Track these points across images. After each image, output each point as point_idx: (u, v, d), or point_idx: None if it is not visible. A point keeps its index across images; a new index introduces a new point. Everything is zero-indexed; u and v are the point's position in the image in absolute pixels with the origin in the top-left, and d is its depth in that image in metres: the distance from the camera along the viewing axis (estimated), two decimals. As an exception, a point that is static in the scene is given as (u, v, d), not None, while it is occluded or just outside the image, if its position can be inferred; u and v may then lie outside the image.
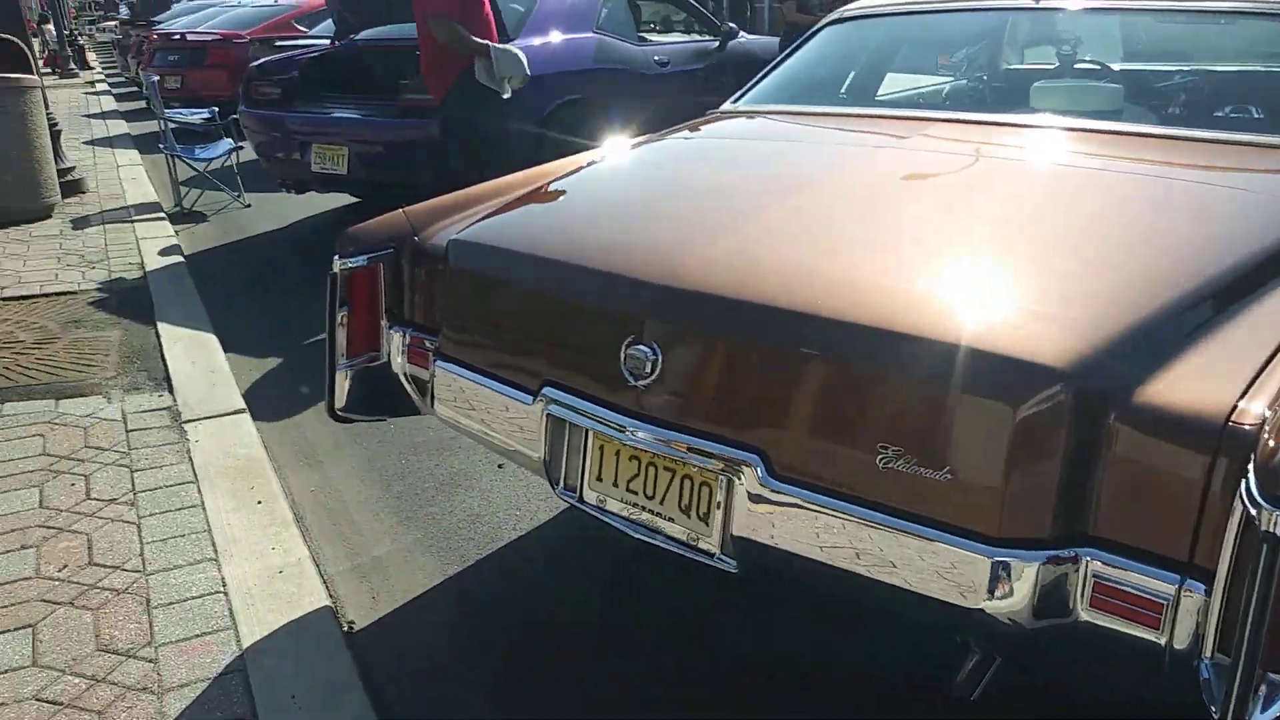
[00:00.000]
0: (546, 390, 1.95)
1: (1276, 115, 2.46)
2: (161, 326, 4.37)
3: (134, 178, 8.31)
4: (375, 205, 6.99)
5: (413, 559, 2.70)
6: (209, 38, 10.93)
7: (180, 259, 5.57)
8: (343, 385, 2.41)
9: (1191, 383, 1.36)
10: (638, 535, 1.87)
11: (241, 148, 7.12)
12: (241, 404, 3.55)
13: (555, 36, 6.11)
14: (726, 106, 3.12)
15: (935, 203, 2.01)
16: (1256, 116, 2.48)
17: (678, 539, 1.81)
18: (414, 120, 5.47)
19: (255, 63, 6.37)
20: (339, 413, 2.44)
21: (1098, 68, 2.80)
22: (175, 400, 3.56)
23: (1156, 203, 1.92)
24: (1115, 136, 2.36)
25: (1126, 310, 1.49)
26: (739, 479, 1.66)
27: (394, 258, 2.37)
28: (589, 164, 2.64)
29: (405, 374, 2.40)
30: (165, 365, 3.92)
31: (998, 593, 1.42)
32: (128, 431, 3.31)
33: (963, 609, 1.47)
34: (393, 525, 2.88)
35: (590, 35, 6.36)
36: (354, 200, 7.20)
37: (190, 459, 3.11)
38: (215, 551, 2.57)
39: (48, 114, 6.71)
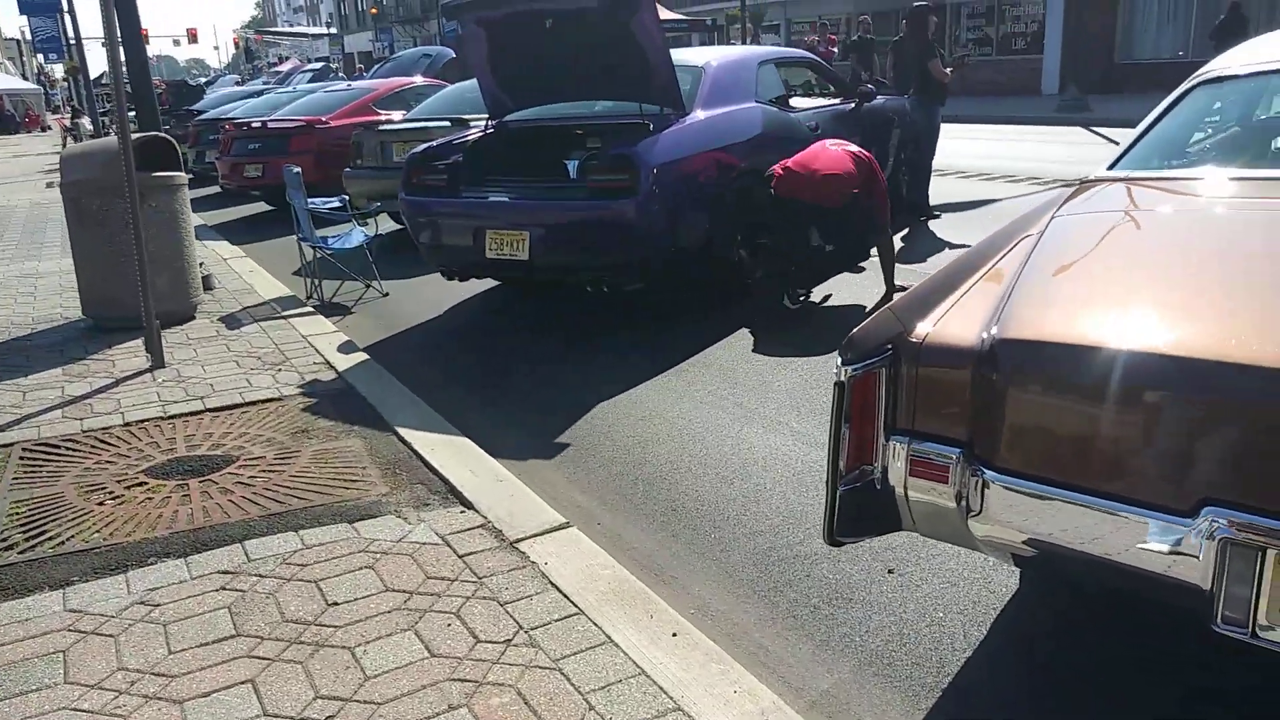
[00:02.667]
0: (1213, 510, 1.69)
1: None
2: (402, 432, 4.10)
3: (250, 270, 8.12)
4: (515, 291, 6.86)
5: (865, 688, 2.41)
6: (291, 125, 10.84)
7: (364, 355, 5.32)
8: (843, 506, 2.15)
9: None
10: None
11: (380, 236, 6.93)
12: (558, 516, 3.27)
13: (728, 108, 5.97)
14: (1111, 174, 2.91)
15: None
16: None
17: None
18: (607, 201, 5.28)
19: (415, 150, 6.20)
20: (838, 538, 2.17)
21: None
22: (485, 517, 3.28)
23: None
24: None
25: None
26: None
27: (893, 361, 2.13)
28: (1054, 242, 2.41)
29: (905, 488, 2.14)
30: (440, 476, 3.64)
31: None
32: (460, 557, 3.02)
33: None
34: (810, 650, 2.59)
35: (755, 105, 6.23)
36: (493, 284, 7.00)
37: (553, 585, 2.82)
38: (672, 699, 2.28)
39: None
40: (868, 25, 13.86)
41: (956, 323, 2.16)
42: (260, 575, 2.95)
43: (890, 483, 2.16)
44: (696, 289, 6.11)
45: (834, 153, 5.44)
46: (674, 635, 2.54)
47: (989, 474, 1.99)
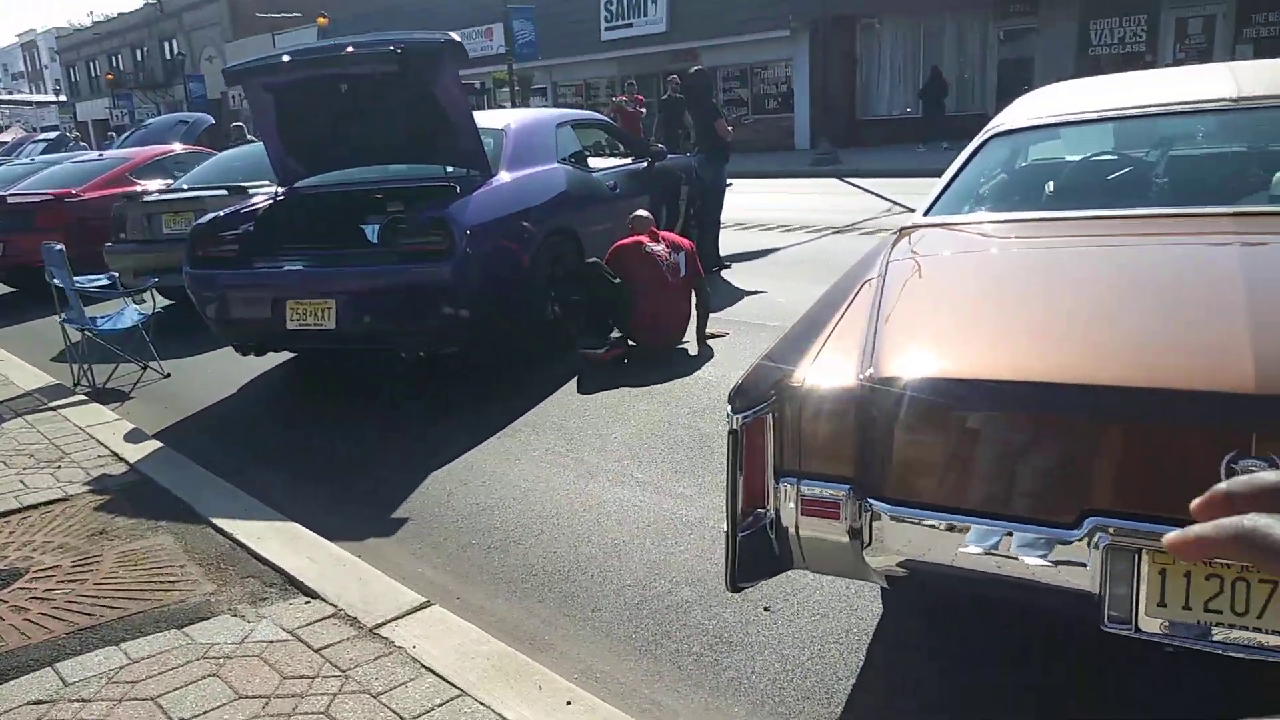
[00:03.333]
0: (1093, 520, 1.84)
1: None
2: (220, 522, 3.76)
3: (1, 358, 7.24)
4: (315, 362, 6.51)
5: (766, 735, 2.42)
6: (36, 198, 9.85)
7: (157, 443, 4.86)
8: (743, 552, 2.18)
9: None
10: (1229, 654, 1.79)
11: (159, 312, 6.41)
12: (416, 595, 3.10)
13: (533, 169, 6.00)
14: (927, 220, 3.15)
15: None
16: None
17: (1286, 651, 1.74)
18: (421, 264, 5.14)
19: (200, 220, 5.78)
20: (739, 584, 2.19)
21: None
22: (335, 604, 3.05)
23: None
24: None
25: None
26: None
27: (778, 406, 2.20)
28: (895, 284, 2.58)
29: (798, 527, 2.20)
30: (274, 566, 3.37)
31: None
32: (316, 651, 2.79)
33: None
34: (703, 699, 2.58)
35: (557, 165, 6.31)
36: (291, 356, 6.63)
37: (428, 668, 2.66)
38: (582, 771, 2.19)
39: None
40: (676, 85, 14.43)
41: (830, 366, 2.25)
42: (84, 700, 2.59)
43: (783, 523, 2.20)
44: (515, 348, 6.05)
45: (673, 291, 5.72)
46: (569, 704, 2.46)
47: (879, 506, 2.07)
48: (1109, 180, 3.35)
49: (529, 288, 5.70)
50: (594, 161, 7.32)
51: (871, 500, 2.08)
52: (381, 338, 5.38)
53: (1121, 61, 18.54)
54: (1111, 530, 1.82)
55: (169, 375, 6.50)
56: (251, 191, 7.39)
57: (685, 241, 6.04)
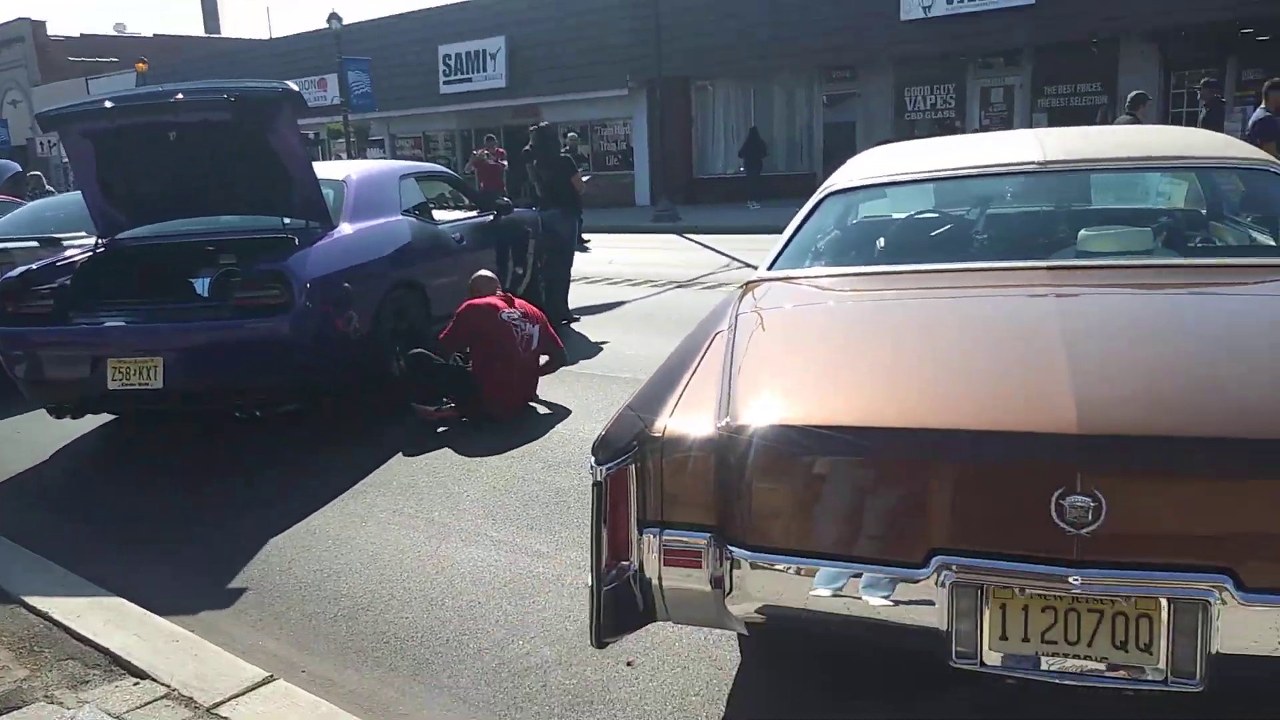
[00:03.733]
0: (939, 559, 1.94)
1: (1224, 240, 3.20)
2: (32, 601, 3.45)
3: None
4: (137, 424, 6.07)
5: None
6: None
7: (-46, 518, 4.42)
8: (608, 606, 2.17)
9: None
10: (1065, 682, 1.91)
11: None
12: (258, 670, 2.92)
13: (375, 220, 5.90)
14: (771, 274, 3.28)
15: (1145, 327, 2.37)
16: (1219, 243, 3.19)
17: (1115, 676, 1.88)
18: (258, 319, 4.93)
19: (10, 274, 5.34)
20: (604, 640, 2.19)
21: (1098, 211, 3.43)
22: (168, 685, 2.84)
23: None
24: (1154, 269, 2.90)
25: None
26: (1213, 599, 1.79)
27: (640, 456, 2.22)
28: (746, 336, 2.66)
29: (660, 578, 2.22)
30: (96, 646, 3.10)
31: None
32: (148, 736, 2.59)
33: None
34: (567, 762, 2.54)
35: (400, 218, 6.22)
36: (110, 418, 6.18)
37: (274, 749, 2.51)
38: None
39: None
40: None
41: (688, 417, 2.30)
42: None
43: (647, 575, 2.21)
44: (357, 405, 5.85)
45: (526, 360, 5.69)
46: (427, 776, 2.36)
47: (739, 553, 2.12)
48: (934, 236, 3.59)
49: (372, 342, 5.55)
50: (439, 214, 7.25)
51: (732, 548, 2.12)
52: (214, 397, 5.12)
53: (934, 125, 19.96)
54: (955, 568, 1.92)
55: (-32, 442, 5.94)
56: (65, 244, 6.92)
57: (539, 313, 5.92)
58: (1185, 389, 2.03)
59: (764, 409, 2.20)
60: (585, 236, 15.49)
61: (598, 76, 23.88)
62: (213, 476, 5.09)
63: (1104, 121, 16.15)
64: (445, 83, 27.60)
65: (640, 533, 2.20)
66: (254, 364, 4.94)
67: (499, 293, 5.79)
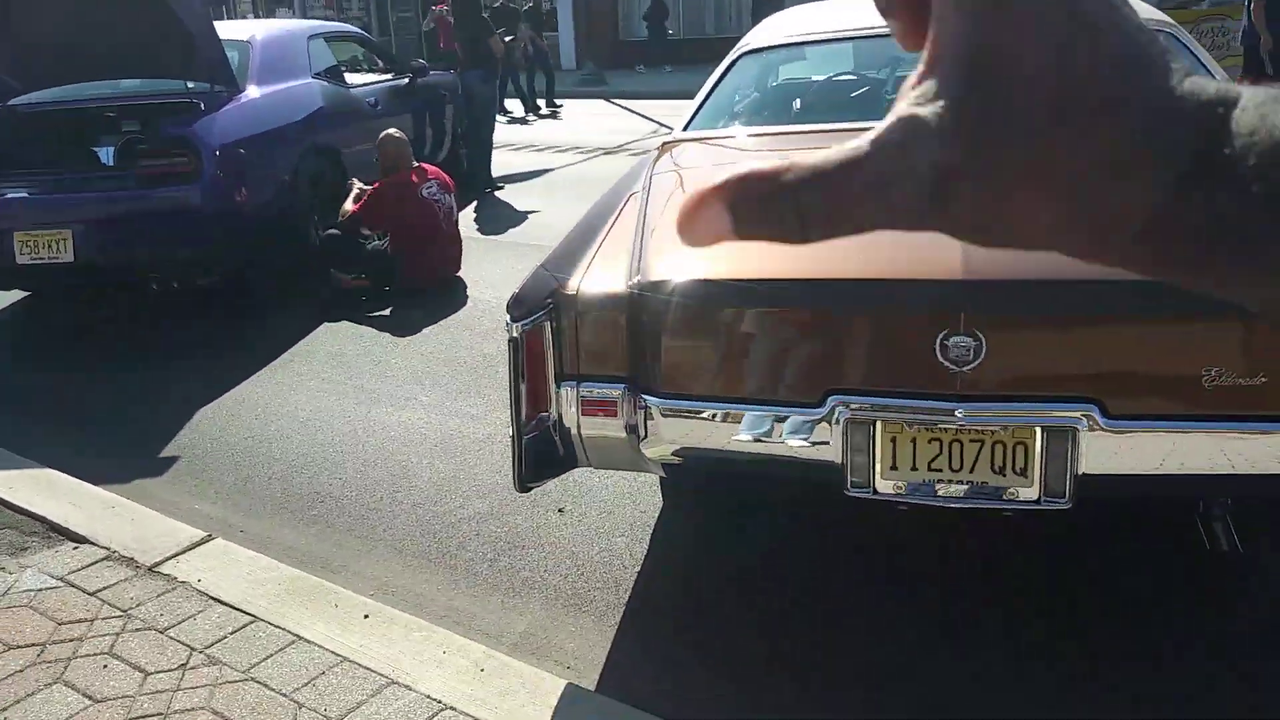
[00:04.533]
0: (835, 398, 2.09)
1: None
2: (-42, 476, 3.47)
3: None
4: (48, 300, 5.93)
5: (558, 621, 2.60)
6: None
7: None
8: (528, 454, 2.30)
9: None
10: (950, 506, 2.11)
11: None
12: (195, 530, 3.02)
13: (283, 84, 5.70)
14: (686, 135, 3.32)
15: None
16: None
17: (990, 497, 2.08)
18: (167, 188, 4.81)
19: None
20: (527, 484, 2.32)
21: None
22: (107, 548, 2.92)
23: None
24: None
25: None
26: (1080, 427, 1.98)
27: (554, 313, 2.31)
28: (660, 196, 2.73)
29: (579, 428, 2.35)
30: (31, 514, 3.16)
31: None
32: (91, 594, 2.68)
33: None
34: (499, 600, 2.72)
35: (311, 81, 6.02)
36: (19, 295, 6.02)
37: (216, 599, 2.63)
38: (384, 676, 2.27)
39: None
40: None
41: (601, 274, 2.38)
42: None
43: (566, 425, 2.34)
44: (277, 276, 5.78)
45: (449, 234, 5.60)
46: (366, 617, 2.52)
47: (652, 401, 2.25)
48: (850, 98, 3.65)
49: (289, 211, 5.46)
50: (352, 78, 7.02)
51: (645, 396, 2.24)
52: (128, 269, 5.02)
53: (864, -15, 19.60)
54: (850, 405, 2.08)
55: None
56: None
57: (448, 178, 5.79)
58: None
59: (673, 266, 2.29)
60: (559, 102, 15.01)
61: (516, -70, 22.77)
62: (133, 352, 5.04)
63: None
64: (356, -64, 26.06)
65: (558, 386, 2.31)
66: (166, 236, 4.84)
67: (414, 164, 5.66)
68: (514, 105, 14.53)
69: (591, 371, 2.31)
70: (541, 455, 2.33)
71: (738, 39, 3.81)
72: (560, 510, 3.12)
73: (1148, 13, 3.47)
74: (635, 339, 2.26)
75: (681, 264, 2.30)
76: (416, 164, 5.68)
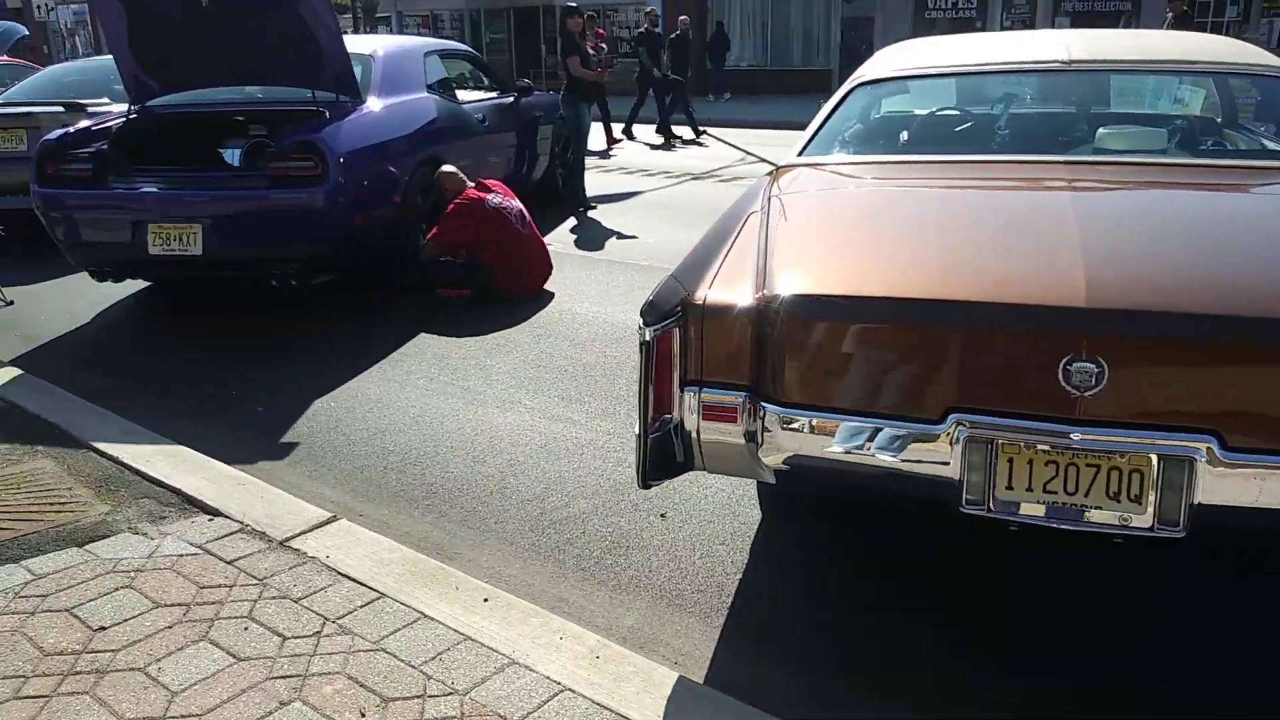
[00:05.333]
0: (955, 416, 2.17)
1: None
2: (103, 446, 3.71)
3: None
4: (175, 290, 6.28)
5: (664, 618, 2.70)
6: None
7: (16, 370, 4.66)
8: (652, 452, 2.42)
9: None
10: (1062, 527, 2.17)
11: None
12: (320, 510, 3.20)
13: (403, 96, 5.97)
14: (801, 160, 3.44)
15: (1154, 215, 2.56)
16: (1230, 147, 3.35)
17: (1107, 523, 2.14)
18: (293, 190, 5.08)
19: (50, 136, 5.47)
20: (649, 481, 2.44)
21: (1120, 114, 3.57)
22: (241, 521, 3.12)
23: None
24: (1166, 167, 3.07)
25: None
26: (1198, 457, 2.03)
27: (683, 320, 2.44)
28: (779, 216, 2.85)
29: (699, 431, 2.46)
30: (168, 487, 3.38)
31: None
32: (229, 563, 2.87)
33: None
34: (606, 595, 2.84)
35: (427, 95, 6.29)
36: (143, 285, 6.37)
37: (344, 575, 2.80)
38: (505, 655, 2.40)
39: None
40: (654, 18, 14.17)
41: (727, 287, 2.50)
42: (-8, 614, 2.60)
43: (686, 428, 2.45)
44: (388, 278, 6.04)
45: (530, 235, 5.83)
46: (485, 601, 2.65)
47: (771, 409, 2.35)
48: (957, 131, 3.74)
49: (401, 218, 5.71)
50: (462, 94, 7.30)
51: (765, 404, 2.35)
52: (252, 264, 5.30)
53: (954, 25, 19.59)
54: (969, 424, 2.16)
55: (12, 303, 6.16)
56: (91, 110, 7.00)
57: (507, 189, 6.02)
58: (1183, 270, 2.24)
59: (796, 281, 2.40)
60: (702, 130, 14.61)
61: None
62: (252, 340, 5.31)
63: (1126, 28, 15.93)
64: (455, -41, 26.86)
65: (682, 390, 2.43)
66: (289, 234, 5.12)
67: (470, 183, 5.86)
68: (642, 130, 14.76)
69: (714, 378, 2.42)
70: (663, 454, 2.45)
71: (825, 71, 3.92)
72: (662, 515, 3.24)
73: (1267, 60, 3.50)
74: (758, 349, 2.37)
75: (806, 279, 2.41)
76: (473, 181, 5.90)
